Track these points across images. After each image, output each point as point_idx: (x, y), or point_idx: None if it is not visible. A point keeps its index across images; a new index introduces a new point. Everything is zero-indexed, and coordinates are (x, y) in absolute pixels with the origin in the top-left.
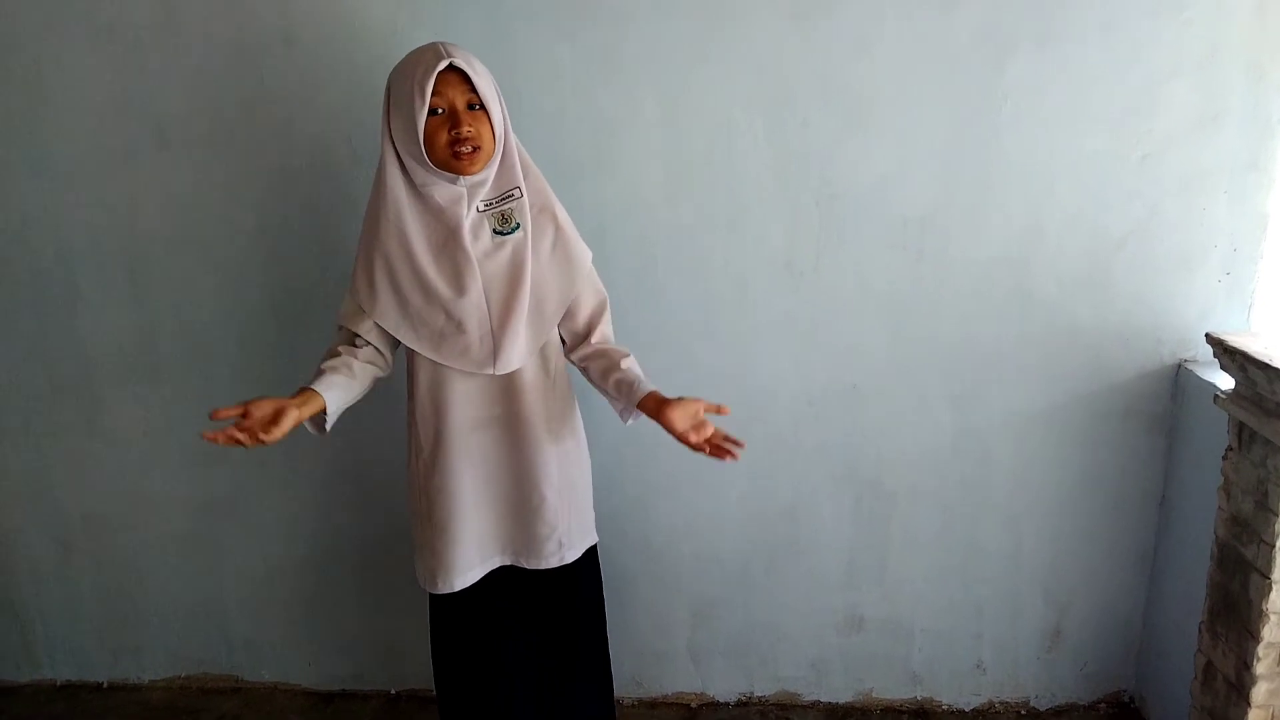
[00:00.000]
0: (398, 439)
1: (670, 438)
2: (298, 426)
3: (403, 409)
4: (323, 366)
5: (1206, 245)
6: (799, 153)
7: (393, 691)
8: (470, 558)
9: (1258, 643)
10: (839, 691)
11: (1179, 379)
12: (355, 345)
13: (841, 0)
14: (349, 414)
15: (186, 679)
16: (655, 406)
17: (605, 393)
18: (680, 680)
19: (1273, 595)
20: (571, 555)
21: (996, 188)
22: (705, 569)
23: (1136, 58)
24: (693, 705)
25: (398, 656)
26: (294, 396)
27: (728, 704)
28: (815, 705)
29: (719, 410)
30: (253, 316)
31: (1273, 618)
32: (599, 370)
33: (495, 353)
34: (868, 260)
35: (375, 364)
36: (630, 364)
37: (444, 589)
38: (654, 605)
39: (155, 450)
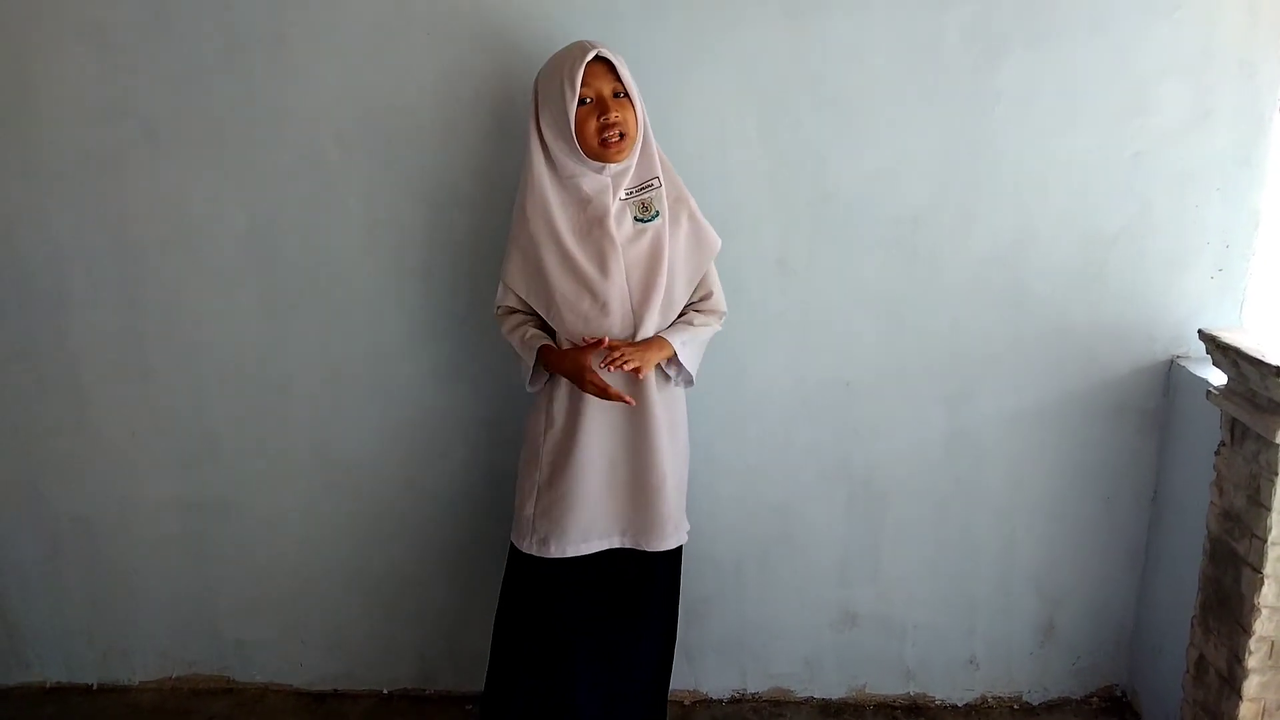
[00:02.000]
0: (386, 440)
1: None
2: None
3: (388, 406)
4: (529, 332)
5: (1199, 242)
6: (791, 152)
7: (385, 691)
8: (587, 529)
9: (1249, 636)
10: (832, 687)
11: (1171, 375)
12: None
13: (833, 1)
14: (335, 412)
15: (177, 680)
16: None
17: None
18: (674, 678)
19: (1264, 589)
20: (683, 535)
21: (989, 186)
22: (698, 566)
23: (1128, 56)
24: (686, 703)
25: (390, 656)
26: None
27: (721, 701)
28: (808, 701)
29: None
30: (242, 317)
31: (1264, 612)
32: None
33: (636, 331)
34: (860, 259)
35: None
36: (683, 321)
37: (556, 554)
38: None
39: (144, 451)
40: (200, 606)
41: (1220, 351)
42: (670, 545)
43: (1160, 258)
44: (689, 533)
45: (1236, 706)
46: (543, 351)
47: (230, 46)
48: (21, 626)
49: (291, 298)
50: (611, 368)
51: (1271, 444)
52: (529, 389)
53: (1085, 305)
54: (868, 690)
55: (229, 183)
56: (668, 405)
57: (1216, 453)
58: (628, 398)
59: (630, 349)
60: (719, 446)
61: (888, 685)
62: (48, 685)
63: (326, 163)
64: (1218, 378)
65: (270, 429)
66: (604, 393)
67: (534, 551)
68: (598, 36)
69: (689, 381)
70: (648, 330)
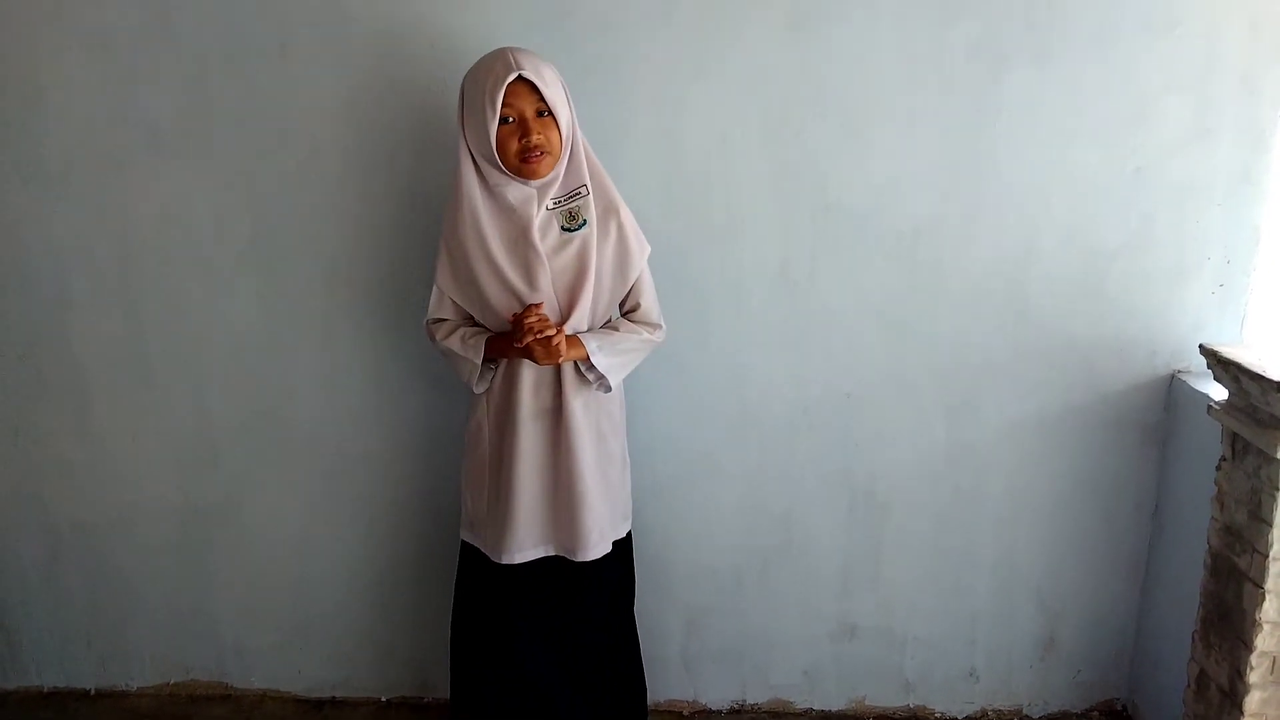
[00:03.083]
0: (386, 447)
1: (663, 446)
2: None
3: (388, 414)
4: (466, 332)
5: (1200, 257)
6: (795, 164)
7: (383, 699)
8: (523, 539)
9: (1251, 651)
10: (832, 699)
11: (1172, 390)
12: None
13: (838, 13)
14: (336, 418)
15: (175, 686)
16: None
17: None
18: (673, 688)
19: (1266, 605)
20: (608, 546)
21: (991, 199)
22: (698, 577)
23: (1131, 72)
24: (685, 713)
25: (388, 663)
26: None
27: (720, 712)
28: (808, 713)
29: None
30: (244, 323)
31: (1266, 627)
32: None
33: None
34: (863, 271)
35: None
36: (608, 327)
37: (505, 560)
38: (647, 613)
39: (145, 456)
40: (199, 612)
41: (1221, 366)
42: (594, 556)
43: (1162, 272)
44: (690, 540)
45: None
46: (489, 343)
47: (233, 54)
48: (20, 631)
49: (293, 303)
50: (533, 332)
51: (1273, 459)
52: (476, 390)
53: (1087, 319)
54: (867, 702)
55: (231, 188)
56: (592, 416)
57: (1218, 467)
58: (554, 331)
59: (557, 331)
60: (719, 455)
61: (887, 697)
62: (45, 690)
63: (328, 169)
64: (1219, 392)
65: (271, 435)
66: (548, 343)
67: (484, 550)
68: (600, 47)
69: (606, 387)
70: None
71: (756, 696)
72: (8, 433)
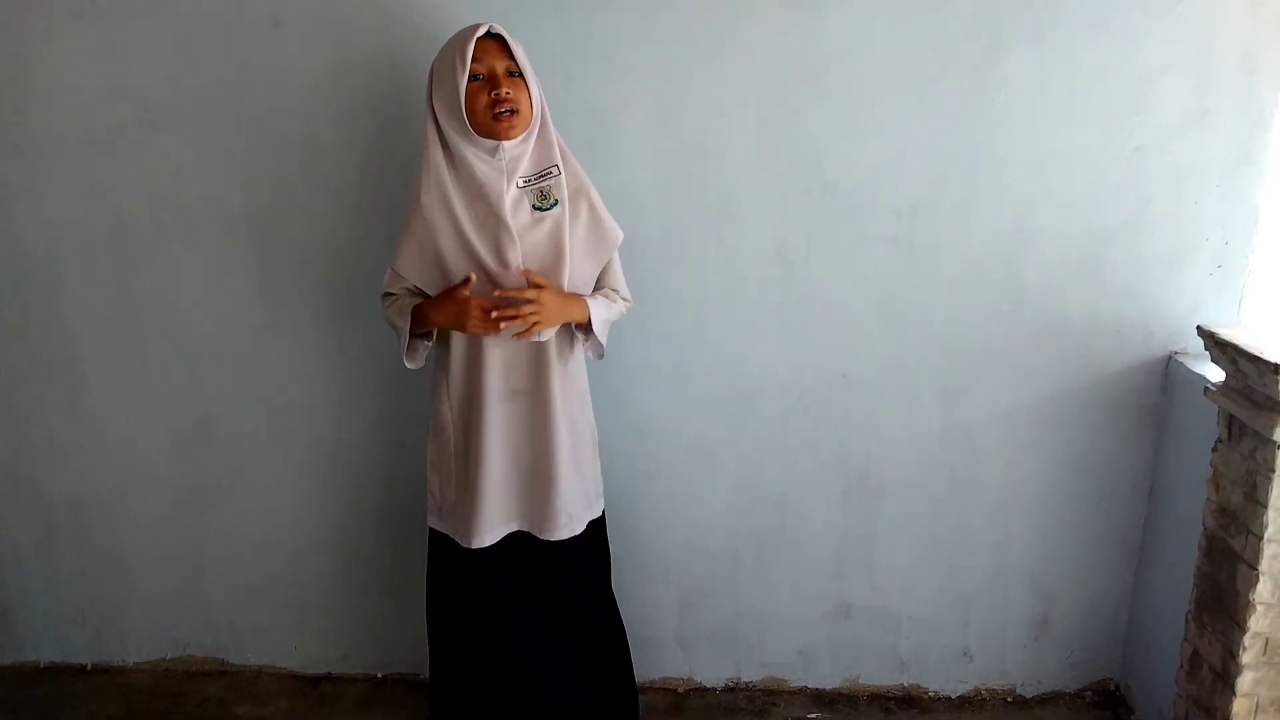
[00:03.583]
0: (381, 424)
1: (658, 429)
2: (406, 332)
3: (386, 393)
4: (405, 301)
5: (1198, 238)
6: (791, 144)
7: (380, 675)
8: (493, 520)
9: (1244, 632)
10: (826, 678)
11: (1169, 371)
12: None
13: None
14: (330, 396)
15: (171, 661)
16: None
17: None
18: (668, 666)
19: (1259, 586)
20: (579, 527)
21: (989, 180)
22: (694, 558)
23: (1129, 51)
24: (680, 691)
25: (385, 640)
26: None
27: (715, 690)
28: (802, 691)
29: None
30: (238, 300)
31: (1259, 608)
32: None
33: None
34: (859, 252)
35: None
36: (602, 294)
37: (475, 544)
38: (642, 593)
39: (139, 433)
40: (195, 588)
41: (1218, 348)
42: (563, 536)
43: (1159, 254)
44: (685, 522)
45: (1230, 702)
46: (418, 311)
47: (226, 28)
48: (15, 607)
49: (287, 281)
50: (501, 326)
51: (1269, 441)
52: (409, 365)
53: (1084, 300)
54: (861, 681)
55: (225, 164)
56: (568, 396)
57: (1213, 449)
58: (512, 312)
59: (530, 305)
60: (714, 438)
61: (881, 676)
62: (41, 665)
63: (322, 145)
64: (1216, 374)
65: (265, 411)
66: (494, 325)
67: (453, 536)
68: (600, 28)
69: (600, 354)
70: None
71: (751, 675)
72: (1, 409)
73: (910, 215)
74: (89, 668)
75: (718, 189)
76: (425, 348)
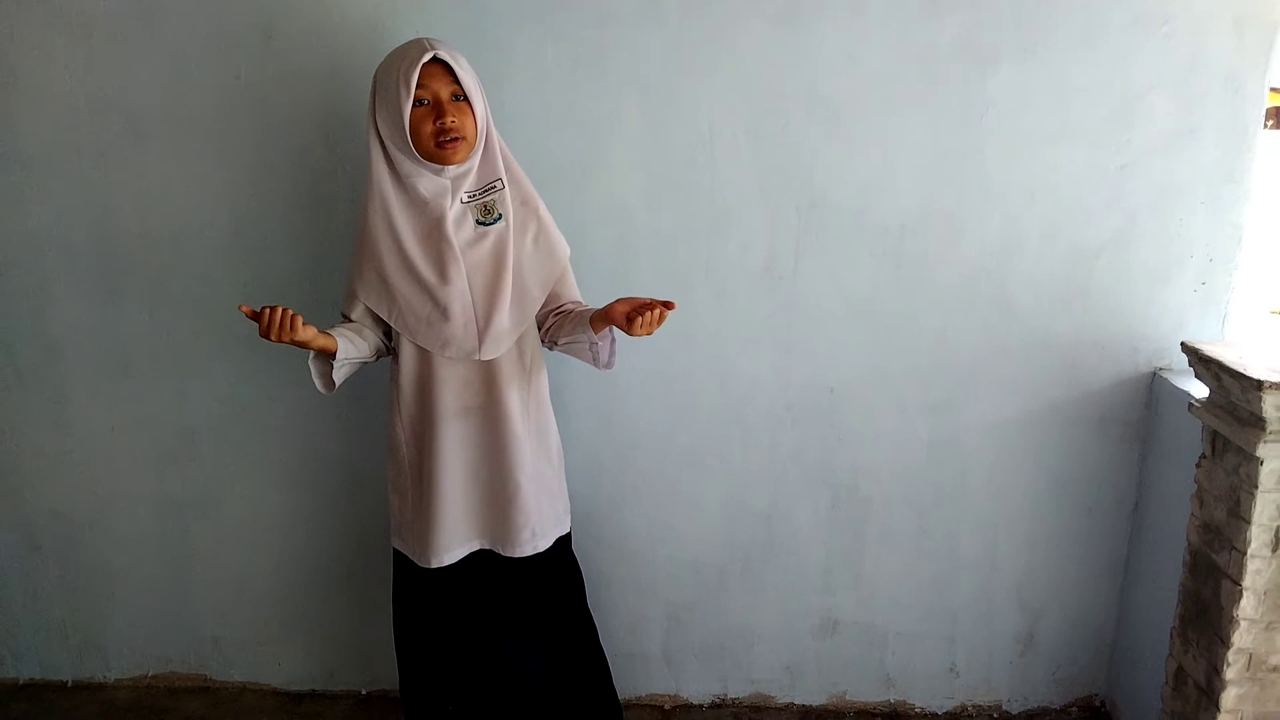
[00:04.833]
0: (367, 438)
1: (646, 441)
2: (311, 353)
3: (372, 407)
4: (331, 329)
5: (1183, 256)
6: (781, 159)
7: (363, 692)
8: (451, 539)
9: (1228, 648)
10: (812, 694)
11: (1154, 387)
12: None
13: (825, 9)
14: (315, 410)
15: (154, 678)
16: (604, 313)
17: (573, 343)
18: (654, 682)
19: (1243, 601)
20: (544, 544)
21: (976, 197)
22: (681, 572)
23: (1116, 70)
24: (666, 707)
25: (368, 656)
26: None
27: (701, 706)
28: (789, 707)
29: (666, 305)
30: (226, 313)
31: (1243, 624)
32: (563, 325)
33: (480, 339)
34: (847, 267)
35: (378, 341)
36: (584, 306)
37: (435, 564)
38: (629, 608)
39: (124, 447)
40: (178, 604)
41: (1202, 364)
42: (527, 553)
43: (1144, 270)
44: (672, 535)
45: (1214, 718)
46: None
47: (216, 40)
48: None
49: (275, 294)
50: (654, 328)
51: (1252, 457)
52: (320, 389)
53: (1069, 316)
54: (848, 697)
55: (213, 177)
56: (530, 410)
57: (1198, 465)
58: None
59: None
60: (702, 451)
61: (868, 692)
62: (21, 682)
63: (313, 158)
64: (1200, 390)
65: (250, 427)
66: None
67: (410, 556)
68: (591, 41)
69: (611, 363)
70: (495, 335)
71: (738, 691)
72: None
73: (898, 230)
74: (70, 684)
75: (707, 202)
76: (342, 369)
